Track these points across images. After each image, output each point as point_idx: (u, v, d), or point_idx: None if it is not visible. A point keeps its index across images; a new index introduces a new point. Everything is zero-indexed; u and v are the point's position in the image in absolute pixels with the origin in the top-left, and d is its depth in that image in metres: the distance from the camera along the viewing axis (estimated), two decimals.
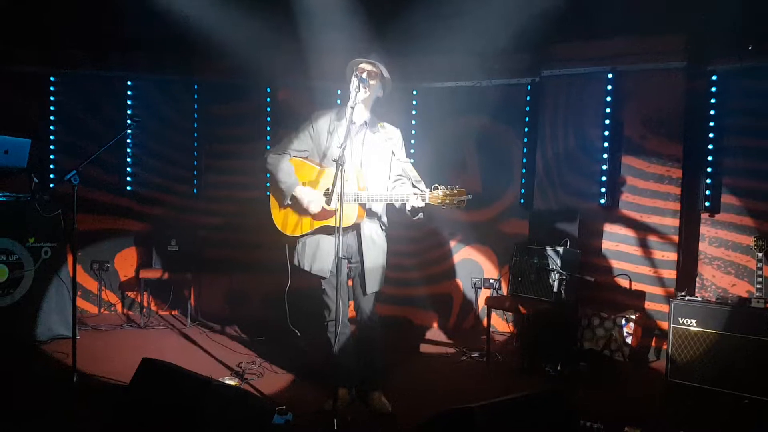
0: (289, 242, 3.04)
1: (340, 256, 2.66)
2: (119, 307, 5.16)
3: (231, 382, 3.28)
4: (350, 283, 3.13)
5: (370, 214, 2.98)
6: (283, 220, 3.02)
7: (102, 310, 5.10)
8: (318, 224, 2.95)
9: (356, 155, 2.94)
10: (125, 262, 5.18)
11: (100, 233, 5.09)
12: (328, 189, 2.89)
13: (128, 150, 5.16)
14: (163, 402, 2.27)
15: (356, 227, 2.96)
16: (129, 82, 5.13)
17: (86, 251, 5.02)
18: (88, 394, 3.06)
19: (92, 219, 5.02)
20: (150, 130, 5.16)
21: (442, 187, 2.73)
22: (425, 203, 2.74)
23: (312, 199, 2.90)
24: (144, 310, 4.96)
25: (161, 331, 4.62)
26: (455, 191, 2.70)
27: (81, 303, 5.01)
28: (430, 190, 2.74)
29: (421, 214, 2.85)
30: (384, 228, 3.06)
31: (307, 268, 3.00)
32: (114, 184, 5.14)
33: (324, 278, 3.00)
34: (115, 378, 3.28)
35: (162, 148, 5.24)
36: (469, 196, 2.71)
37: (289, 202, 2.97)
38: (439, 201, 2.71)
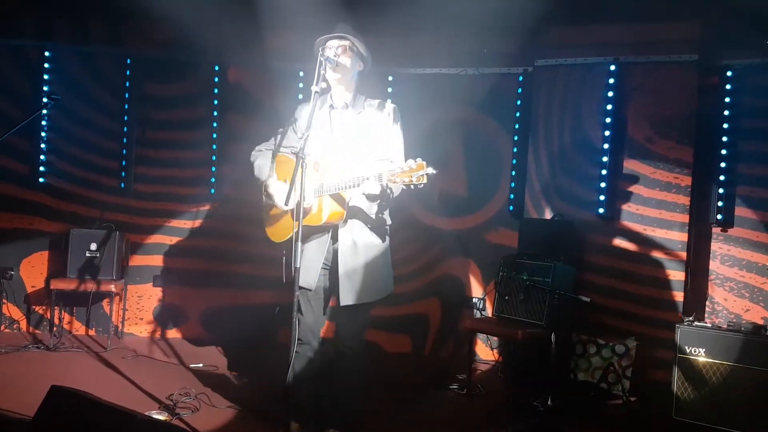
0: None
1: (296, 266, 2.54)
2: (24, 324, 5.03)
3: (159, 416, 3.24)
4: (332, 303, 3.09)
5: (354, 212, 2.89)
6: (272, 226, 3.02)
7: (2, 327, 4.97)
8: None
9: (334, 142, 2.93)
10: (33, 270, 5.06)
11: (2, 234, 4.97)
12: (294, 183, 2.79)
13: (42, 134, 5.05)
14: None
15: (334, 229, 2.90)
16: (46, 53, 5.03)
17: None
18: None
19: None
20: (70, 111, 5.05)
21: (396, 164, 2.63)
22: (382, 184, 2.61)
23: (279, 194, 2.87)
24: (54, 328, 4.85)
25: (75, 354, 4.53)
26: (413, 166, 2.51)
27: None
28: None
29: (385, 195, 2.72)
30: (376, 229, 2.95)
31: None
32: (23, 175, 5.03)
33: (309, 290, 2.93)
34: (16, 410, 3.20)
35: (84, 133, 5.13)
36: (430, 170, 2.52)
37: (269, 202, 3.00)
38: (398, 180, 2.54)
